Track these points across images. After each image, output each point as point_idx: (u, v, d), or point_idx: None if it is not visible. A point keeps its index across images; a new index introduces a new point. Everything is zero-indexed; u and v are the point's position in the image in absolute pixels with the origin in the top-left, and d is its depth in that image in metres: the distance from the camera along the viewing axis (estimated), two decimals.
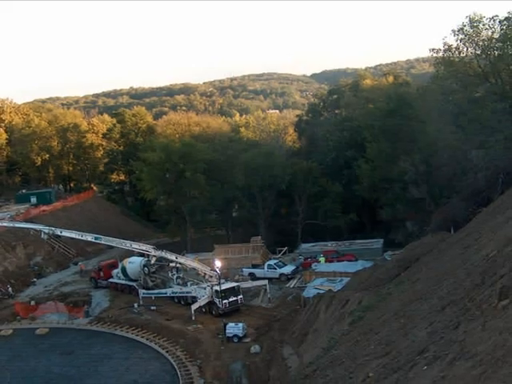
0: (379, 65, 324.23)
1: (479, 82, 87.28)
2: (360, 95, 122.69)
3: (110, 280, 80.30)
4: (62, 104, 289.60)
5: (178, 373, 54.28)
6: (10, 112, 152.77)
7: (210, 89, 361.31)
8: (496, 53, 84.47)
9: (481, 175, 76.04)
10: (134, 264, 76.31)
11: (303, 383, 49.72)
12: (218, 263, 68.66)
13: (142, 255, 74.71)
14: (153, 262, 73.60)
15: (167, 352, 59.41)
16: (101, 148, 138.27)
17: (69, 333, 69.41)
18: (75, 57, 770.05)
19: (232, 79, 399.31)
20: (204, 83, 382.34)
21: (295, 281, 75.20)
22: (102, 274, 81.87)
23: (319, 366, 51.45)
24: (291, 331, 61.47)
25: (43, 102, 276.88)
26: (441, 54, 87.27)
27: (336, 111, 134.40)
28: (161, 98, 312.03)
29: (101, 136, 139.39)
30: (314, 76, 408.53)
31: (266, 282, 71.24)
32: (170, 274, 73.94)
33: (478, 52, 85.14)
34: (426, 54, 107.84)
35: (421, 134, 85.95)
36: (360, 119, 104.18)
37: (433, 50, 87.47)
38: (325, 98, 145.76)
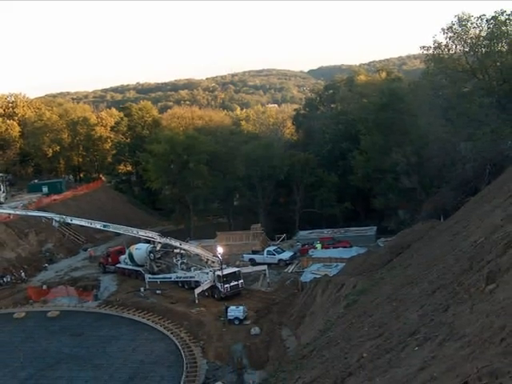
0: (373, 61, 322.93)
1: (467, 78, 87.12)
2: (354, 90, 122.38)
3: (118, 265, 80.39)
4: (72, 98, 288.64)
5: (182, 353, 54.39)
6: (23, 106, 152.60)
7: (213, 84, 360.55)
8: (483, 50, 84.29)
9: (469, 166, 75.93)
10: (140, 250, 76.38)
11: (301, 363, 49.78)
12: (219, 249, 68.72)
13: (147, 242, 74.72)
14: (158, 248, 73.66)
15: (172, 333, 59.56)
16: (109, 140, 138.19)
17: (78, 315, 69.53)
18: (84, 54, 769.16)
19: (233, 75, 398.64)
20: (207, 79, 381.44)
21: (293, 266, 75.18)
22: (110, 259, 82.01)
23: (316, 346, 51.52)
24: (289, 314, 61.52)
25: (54, 96, 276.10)
26: (431, 52, 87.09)
27: (332, 105, 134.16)
28: (166, 93, 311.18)
29: (109, 129, 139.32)
30: (310, 72, 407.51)
31: (265, 267, 71.26)
32: (174, 260, 73.96)
33: (467, 49, 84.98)
34: (417, 51, 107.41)
35: (412, 127, 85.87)
36: (354, 113, 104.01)
37: (423, 47, 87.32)
38: (321, 93, 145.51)
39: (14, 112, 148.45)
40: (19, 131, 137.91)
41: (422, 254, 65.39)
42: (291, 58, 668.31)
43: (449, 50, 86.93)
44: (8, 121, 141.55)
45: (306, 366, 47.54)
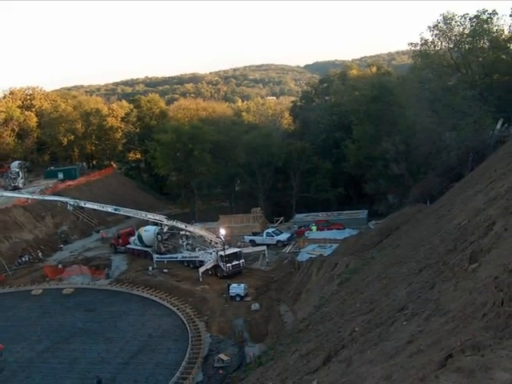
0: (364, 57, 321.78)
1: (452, 72, 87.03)
2: (347, 84, 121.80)
3: (128, 246, 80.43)
4: (86, 91, 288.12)
5: (188, 327, 54.49)
6: (40, 98, 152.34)
7: (216, 78, 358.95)
8: (467, 46, 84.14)
9: (453, 154, 75.75)
10: (148, 232, 76.43)
11: (297, 337, 49.84)
12: (222, 231, 68.68)
13: (155, 224, 74.65)
14: (165, 230, 73.59)
15: (178, 309, 59.59)
16: (119, 130, 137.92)
17: (91, 292, 69.61)
18: (97, 49, 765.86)
19: (235, 69, 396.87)
20: (210, 73, 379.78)
21: (290, 247, 75.13)
22: (120, 240, 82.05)
23: (311, 321, 51.56)
24: (287, 291, 61.55)
25: (69, 89, 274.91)
26: (418, 48, 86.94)
27: (326, 98, 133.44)
28: (172, 86, 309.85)
29: (119, 119, 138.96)
30: (306, 67, 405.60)
31: (264, 247, 71.26)
32: (180, 241, 74.02)
33: (451, 46, 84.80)
34: (405, 47, 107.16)
35: (400, 117, 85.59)
36: (347, 105, 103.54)
37: (411, 44, 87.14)
38: (316, 86, 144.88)
39: (32, 104, 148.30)
40: (36, 122, 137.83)
41: (410, 235, 65.34)
42: (288, 53, 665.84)
43: (434, 47, 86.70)
44: (26, 112, 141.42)
45: (302, 339, 47.57)
